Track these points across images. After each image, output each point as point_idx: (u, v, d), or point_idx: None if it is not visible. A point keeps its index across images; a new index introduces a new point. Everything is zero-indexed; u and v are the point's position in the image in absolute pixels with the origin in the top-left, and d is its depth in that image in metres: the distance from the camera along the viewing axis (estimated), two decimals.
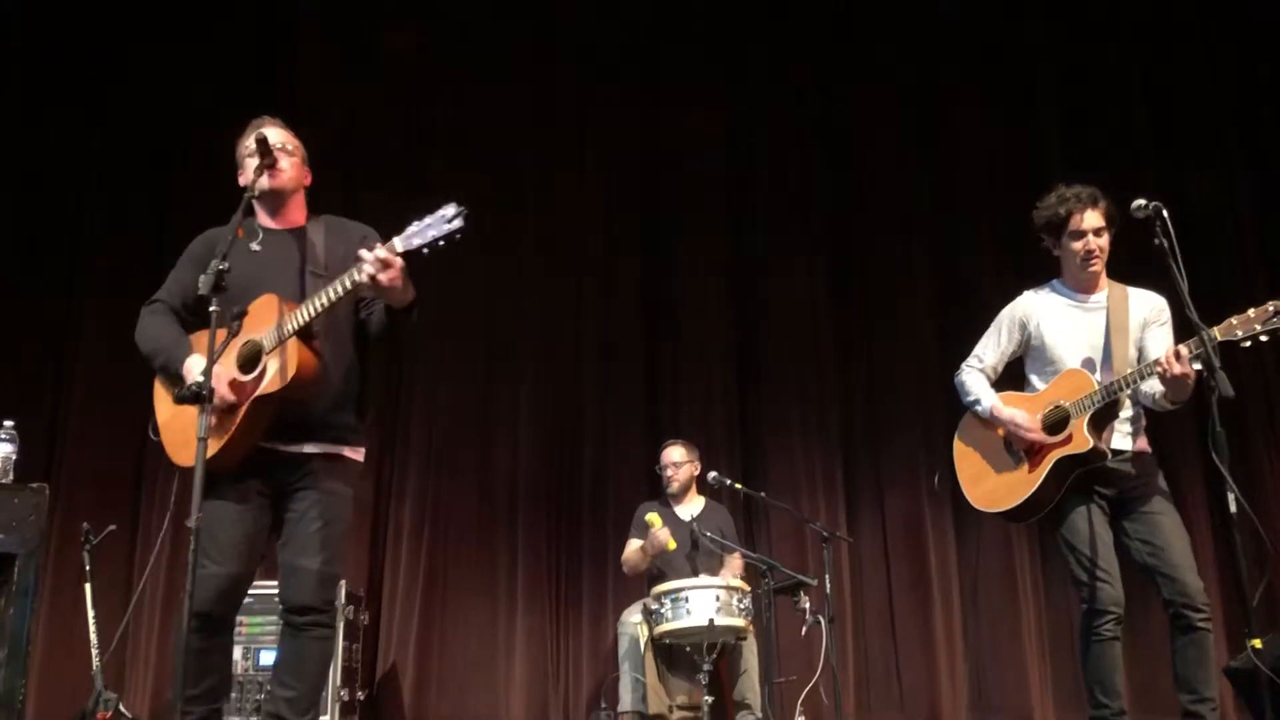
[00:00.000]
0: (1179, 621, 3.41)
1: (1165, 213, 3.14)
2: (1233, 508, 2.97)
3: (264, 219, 3.23)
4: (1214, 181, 6.32)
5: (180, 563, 4.92)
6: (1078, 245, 3.62)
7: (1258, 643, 3.06)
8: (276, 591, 3.11)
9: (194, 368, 2.99)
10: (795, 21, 6.85)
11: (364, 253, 2.80)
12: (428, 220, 2.79)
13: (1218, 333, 3.17)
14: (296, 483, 3.09)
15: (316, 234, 3.26)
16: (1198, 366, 3.20)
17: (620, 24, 6.86)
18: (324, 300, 2.92)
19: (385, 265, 2.78)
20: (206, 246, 3.24)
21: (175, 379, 3.07)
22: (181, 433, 3.04)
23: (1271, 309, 3.16)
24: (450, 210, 2.76)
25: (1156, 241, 3.13)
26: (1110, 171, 6.10)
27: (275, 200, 3.22)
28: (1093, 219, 3.60)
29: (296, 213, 3.28)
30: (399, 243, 2.80)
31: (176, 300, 3.20)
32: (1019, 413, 3.63)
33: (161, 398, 3.18)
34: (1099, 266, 3.65)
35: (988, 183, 6.46)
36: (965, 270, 6.38)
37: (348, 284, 2.87)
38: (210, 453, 2.78)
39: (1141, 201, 3.17)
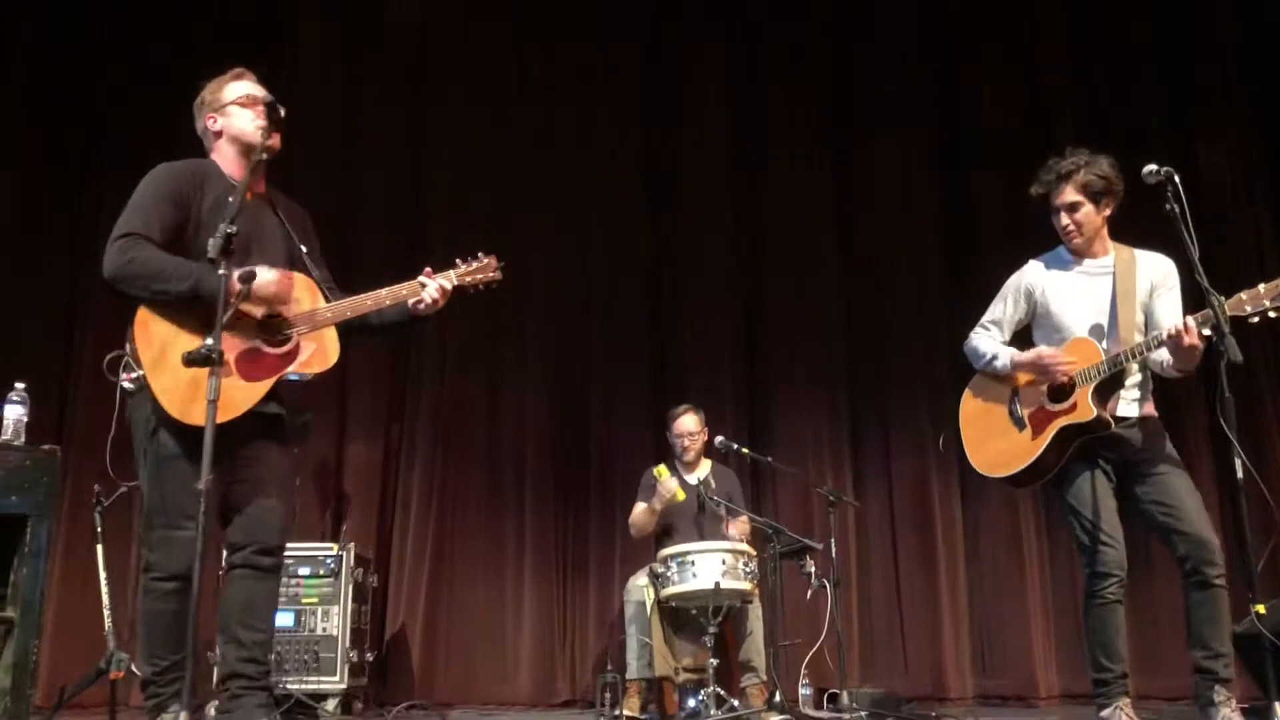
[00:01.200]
0: (1194, 578, 3.41)
1: (1177, 178, 3.13)
2: (1239, 473, 2.97)
3: (237, 177, 3.20)
4: (1228, 152, 6.26)
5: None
6: (1054, 221, 3.70)
7: (1261, 608, 3.08)
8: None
9: (260, 274, 2.91)
10: None
11: (431, 278, 3.25)
12: (474, 265, 3.33)
13: (1227, 307, 3.16)
14: (253, 436, 3.11)
15: (280, 206, 3.32)
16: (1207, 332, 3.19)
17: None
18: (373, 302, 3.17)
19: (445, 294, 3.26)
20: (178, 184, 3.12)
21: (206, 307, 2.90)
22: (187, 386, 2.93)
23: None
24: (493, 263, 3.34)
25: (1167, 207, 3.12)
26: (1120, 141, 6.08)
27: (264, 164, 3.23)
28: (1066, 195, 3.64)
29: (262, 180, 3.29)
30: (455, 276, 3.29)
31: (156, 237, 3.02)
32: (1041, 348, 3.65)
33: (153, 339, 3.00)
34: (1079, 240, 3.68)
35: (999, 148, 6.40)
36: (973, 235, 6.35)
37: (400, 294, 3.21)
38: (224, 417, 2.79)
39: (1153, 167, 3.15)
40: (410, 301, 3.24)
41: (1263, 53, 6.35)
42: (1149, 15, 6.52)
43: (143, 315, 3.02)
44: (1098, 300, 3.64)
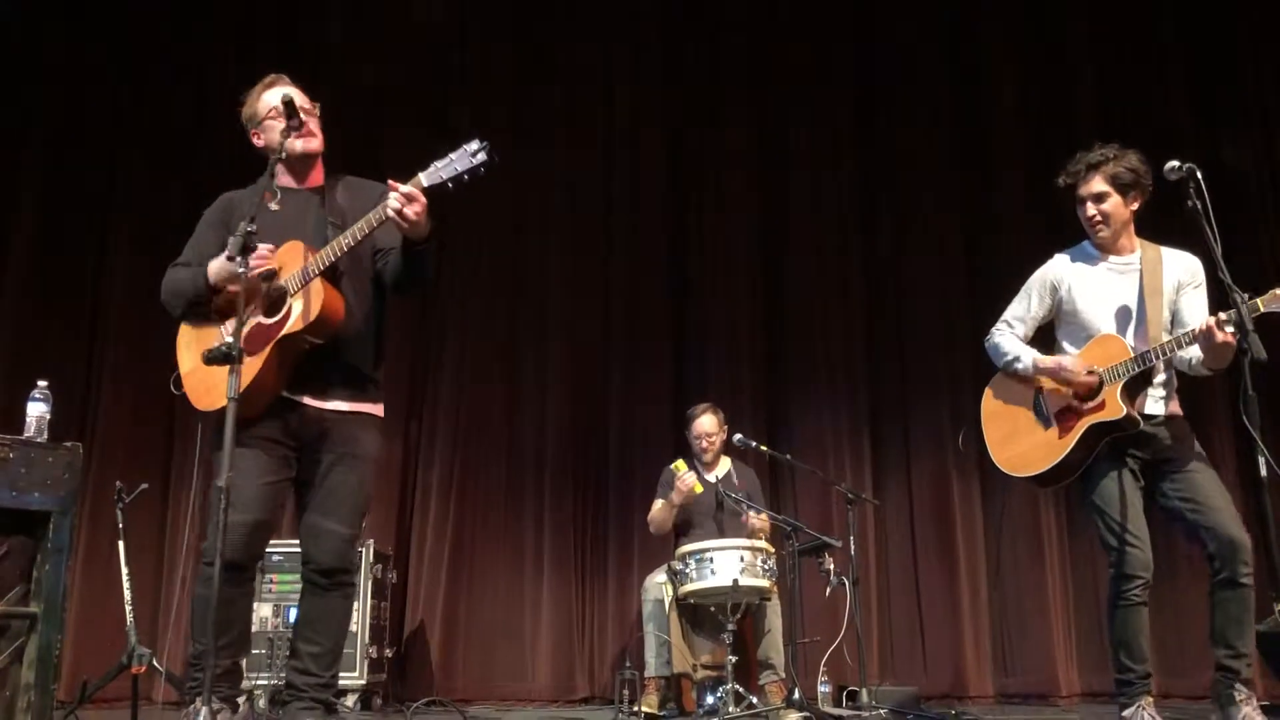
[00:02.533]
0: (1223, 575, 3.35)
1: (1199, 175, 3.10)
2: (1263, 471, 2.94)
3: (284, 179, 3.24)
4: (1250, 146, 6.20)
5: (207, 513, 5.02)
6: (1080, 212, 3.64)
7: None
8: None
9: (216, 269, 3.05)
10: None
11: (393, 185, 2.89)
12: (452, 156, 2.89)
13: (1261, 303, 3.13)
14: (322, 440, 3.11)
15: (335, 192, 3.28)
16: (1230, 329, 3.16)
17: None
18: (349, 239, 2.98)
19: (410, 200, 2.87)
20: (224, 210, 3.26)
21: (202, 304, 3.11)
22: (206, 379, 3.06)
23: None
24: (474, 145, 2.87)
25: (1190, 203, 3.09)
26: (1146, 135, 6.02)
27: (303, 162, 3.23)
28: (1094, 185, 3.57)
29: (316, 173, 3.30)
30: (424, 178, 2.90)
31: (195, 262, 3.19)
32: (1064, 357, 3.59)
33: (185, 348, 3.17)
34: (1105, 232, 3.61)
35: (1021, 146, 6.37)
36: (996, 233, 6.32)
37: (373, 221, 2.94)
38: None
39: (1175, 163, 3.12)
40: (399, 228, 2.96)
41: None
42: (1173, 13, 6.47)
43: (180, 331, 3.21)
44: (1125, 297, 3.59)
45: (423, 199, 2.90)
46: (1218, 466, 5.57)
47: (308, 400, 3.10)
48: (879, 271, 6.48)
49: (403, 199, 2.87)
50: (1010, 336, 3.79)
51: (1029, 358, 3.68)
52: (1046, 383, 3.67)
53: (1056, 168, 3.71)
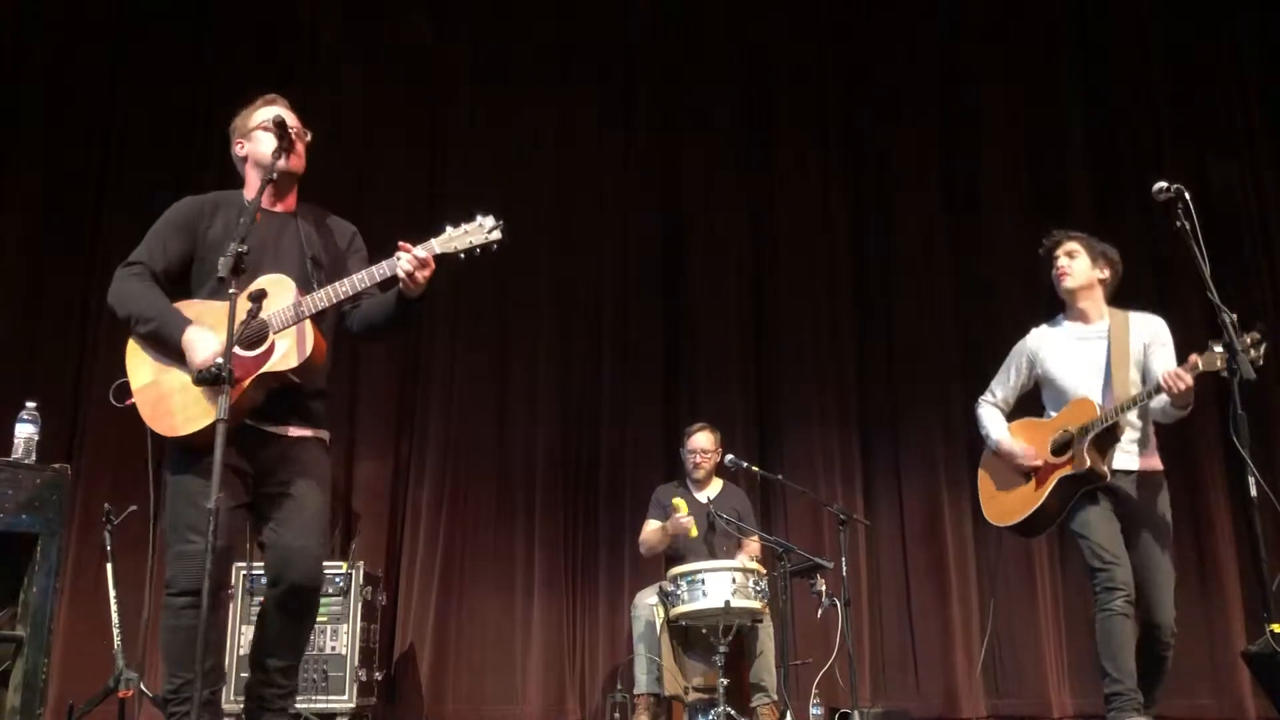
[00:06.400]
0: (1148, 636, 3.69)
1: (1187, 195, 3.14)
2: (1253, 491, 2.97)
3: (262, 199, 3.18)
4: (1238, 167, 6.24)
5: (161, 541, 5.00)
6: (1053, 271, 3.98)
7: (1277, 627, 3.05)
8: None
9: (196, 342, 2.93)
10: None
11: (405, 249, 2.96)
12: (465, 228, 2.99)
13: (1200, 361, 3.36)
14: (281, 464, 3.08)
15: (309, 222, 3.27)
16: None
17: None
18: (346, 288, 2.99)
19: (423, 265, 2.95)
20: (189, 214, 3.19)
21: (170, 349, 3.03)
22: (161, 401, 3.01)
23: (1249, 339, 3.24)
24: (490, 221, 2.99)
25: (1178, 224, 3.14)
26: (1131, 158, 6.07)
27: (284, 183, 3.21)
28: (1067, 245, 3.94)
29: (291, 197, 3.28)
30: (437, 245, 2.98)
31: (159, 266, 3.12)
32: (1018, 445, 3.98)
33: (139, 363, 3.09)
34: (1070, 282, 3.93)
35: (1011, 172, 6.40)
36: (987, 257, 6.34)
37: (376, 276, 2.99)
38: (199, 426, 2.89)
39: (1163, 184, 3.18)
40: (399, 284, 3.01)
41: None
42: (1163, 31, 6.54)
43: (131, 343, 3.14)
44: (1094, 364, 3.88)
45: (433, 265, 2.97)
46: (1205, 485, 5.71)
47: (267, 427, 3.07)
48: (870, 291, 6.49)
49: (415, 263, 2.94)
50: (990, 409, 4.18)
51: (996, 437, 4.09)
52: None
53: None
